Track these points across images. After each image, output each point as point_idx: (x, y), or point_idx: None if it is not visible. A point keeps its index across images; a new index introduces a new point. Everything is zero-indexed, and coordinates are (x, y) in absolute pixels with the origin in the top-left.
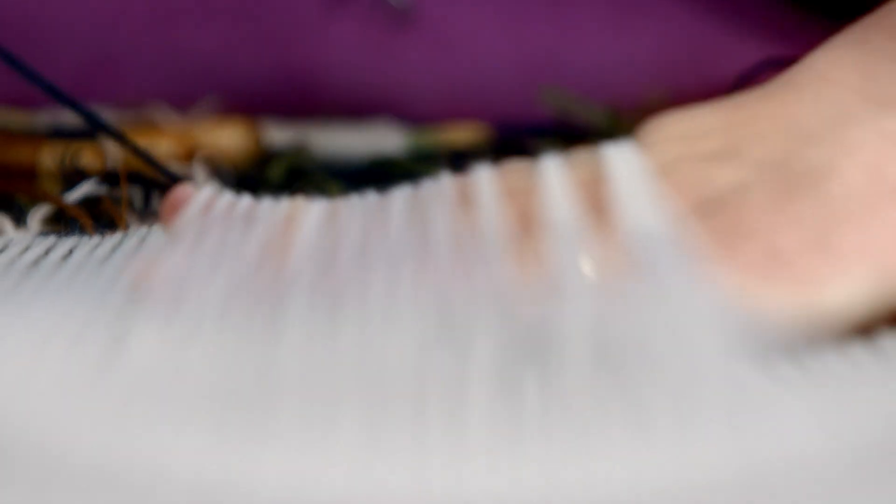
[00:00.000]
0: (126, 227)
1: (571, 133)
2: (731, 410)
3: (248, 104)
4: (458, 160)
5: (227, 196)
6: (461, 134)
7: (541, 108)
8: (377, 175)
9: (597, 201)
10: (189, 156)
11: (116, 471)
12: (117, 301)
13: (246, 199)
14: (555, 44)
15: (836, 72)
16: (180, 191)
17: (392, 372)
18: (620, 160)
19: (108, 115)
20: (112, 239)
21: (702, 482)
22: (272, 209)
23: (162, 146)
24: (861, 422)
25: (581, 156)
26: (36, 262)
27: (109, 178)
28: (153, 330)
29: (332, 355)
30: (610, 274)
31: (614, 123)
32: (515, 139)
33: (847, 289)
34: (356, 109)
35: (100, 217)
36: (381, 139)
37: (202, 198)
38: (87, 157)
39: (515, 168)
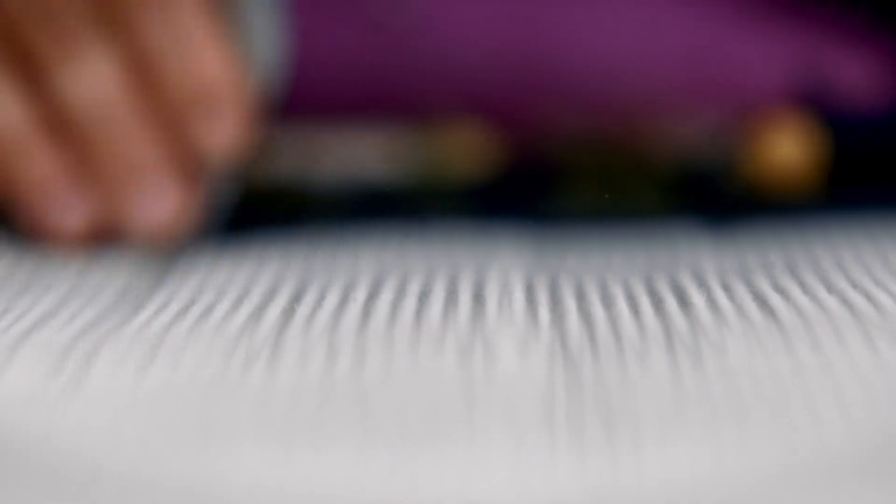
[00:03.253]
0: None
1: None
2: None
3: None
4: (469, 193)
5: None
6: (464, 138)
7: (543, 102)
8: (371, 200)
9: None
10: None
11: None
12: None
13: None
14: (555, 31)
15: None
16: None
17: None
18: None
19: None
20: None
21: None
22: None
23: None
24: None
25: None
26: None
27: None
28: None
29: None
30: None
31: (603, 140)
32: (528, 144)
33: None
34: (340, 108)
35: None
36: (375, 151)
37: None
38: None
39: None
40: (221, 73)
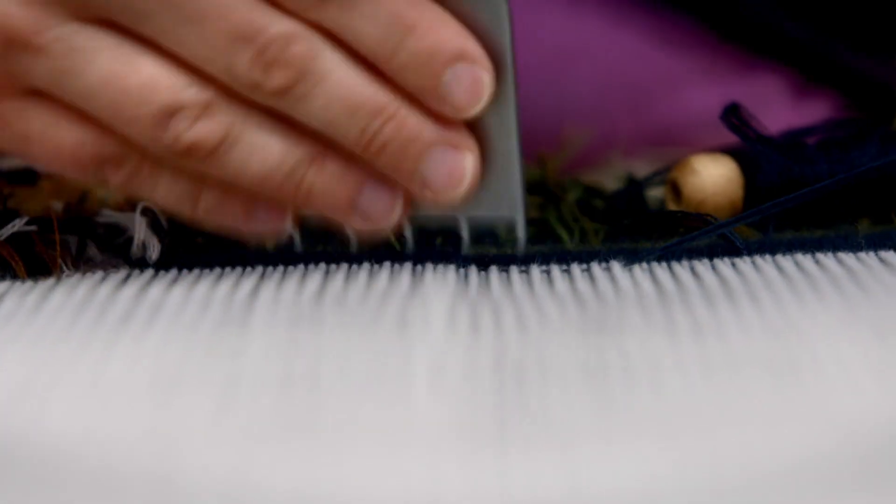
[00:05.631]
0: (59, 271)
1: None
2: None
3: None
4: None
5: None
6: None
7: None
8: None
9: None
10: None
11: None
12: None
13: None
14: None
15: None
16: None
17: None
18: None
19: None
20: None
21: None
22: None
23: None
24: None
25: None
26: None
27: (45, 222)
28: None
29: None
30: None
31: (543, 176)
32: None
33: None
34: None
35: (33, 260)
36: None
37: None
38: (26, 199)
39: None
40: (455, 34)
